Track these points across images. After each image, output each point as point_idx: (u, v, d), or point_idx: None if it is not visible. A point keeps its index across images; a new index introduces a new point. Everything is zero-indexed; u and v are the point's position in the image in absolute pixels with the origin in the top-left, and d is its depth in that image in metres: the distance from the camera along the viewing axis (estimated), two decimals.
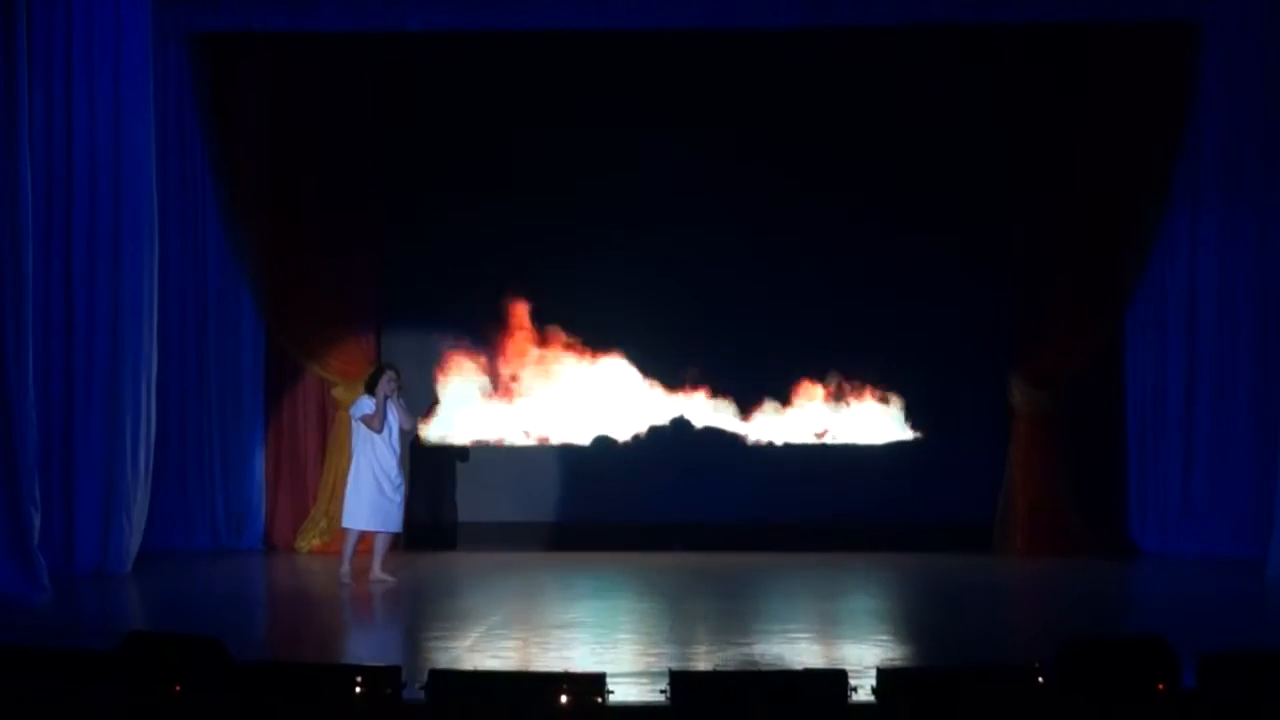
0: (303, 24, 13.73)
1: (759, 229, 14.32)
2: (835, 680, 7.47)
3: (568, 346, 14.27)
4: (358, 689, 7.39)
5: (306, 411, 14.52)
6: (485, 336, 14.33)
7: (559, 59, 14.28)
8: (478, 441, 14.37)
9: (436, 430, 14.21)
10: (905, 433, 14.21)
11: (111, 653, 7.69)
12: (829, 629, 10.53)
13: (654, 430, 14.24)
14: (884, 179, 14.26)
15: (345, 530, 12.57)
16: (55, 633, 9.83)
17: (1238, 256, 13.89)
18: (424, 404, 13.97)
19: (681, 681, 7.46)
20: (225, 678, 7.48)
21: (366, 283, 14.40)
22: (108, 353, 12.70)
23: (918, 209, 14.17)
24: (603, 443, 14.29)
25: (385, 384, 12.43)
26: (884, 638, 10.18)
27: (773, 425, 14.24)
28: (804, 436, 14.27)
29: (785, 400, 14.23)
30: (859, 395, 14.20)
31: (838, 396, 14.20)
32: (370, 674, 7.49)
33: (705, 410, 14.23)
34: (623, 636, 9.95)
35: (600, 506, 14.44)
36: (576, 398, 14.30)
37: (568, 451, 14.42)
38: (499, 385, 14.30)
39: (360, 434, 12.45)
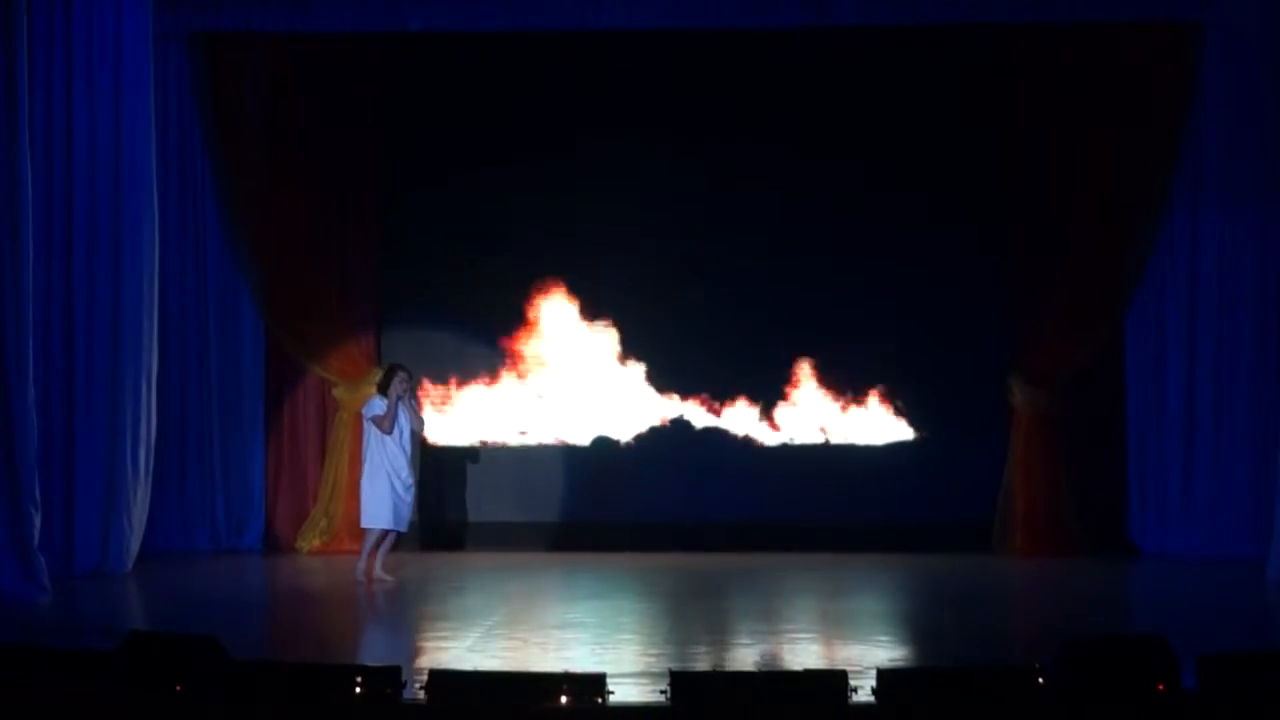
0: (303, 24, 13.72)
1: (758, 229, 14.33)
2: (836, 681, 7.47)
3: (567, 348, 14.27)
4: (357, 689, 7.39)
5: (307, 412, 14.51)
6: (486, 337, 14.35)
7: (559, 59, 14.30)
8: (480, 442, 14.38)
9: (439, 431, 14.22)
10: (905, 433, 14.22)
11: (111, 653, 7.68)
12: (829, 629, 10.53)
13: (655, 431, 14.25)
14: (884, 178, 14.26)
15: (365, 531, 12.53)
16: (55, 633, 9.82)
17: (1238, 257, 13.89)
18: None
19: (682, 682, 7.46)
20: (225, 678, 7.48)
21: (366, 283, 14.40)
22: (108, 353, 12.70)
23: (918, 209, 14.18)
24: (603, 443, 14.30)
25: (398, 385, 12.41)
26: (884, 638, 10.19)
27: (774, 426, 14.24)
28: (804, 437, 14.27)
29: (785, 401, 14.22)
30: (859, 395, 14.20)
31: (838, 397, 14.19)
32: (370, 674, 7.49)
33: (706, 411, 14.23)
34: (623, 637, 9.95)
35: (600, 507, 14.44)
36: (576, 398, 14.30)
37: (568, 452, 14.43)
38: (500, 386, 14.31)
39: (372, 434, 12.43)
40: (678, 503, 14.34)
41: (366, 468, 12.49)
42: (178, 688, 7.45)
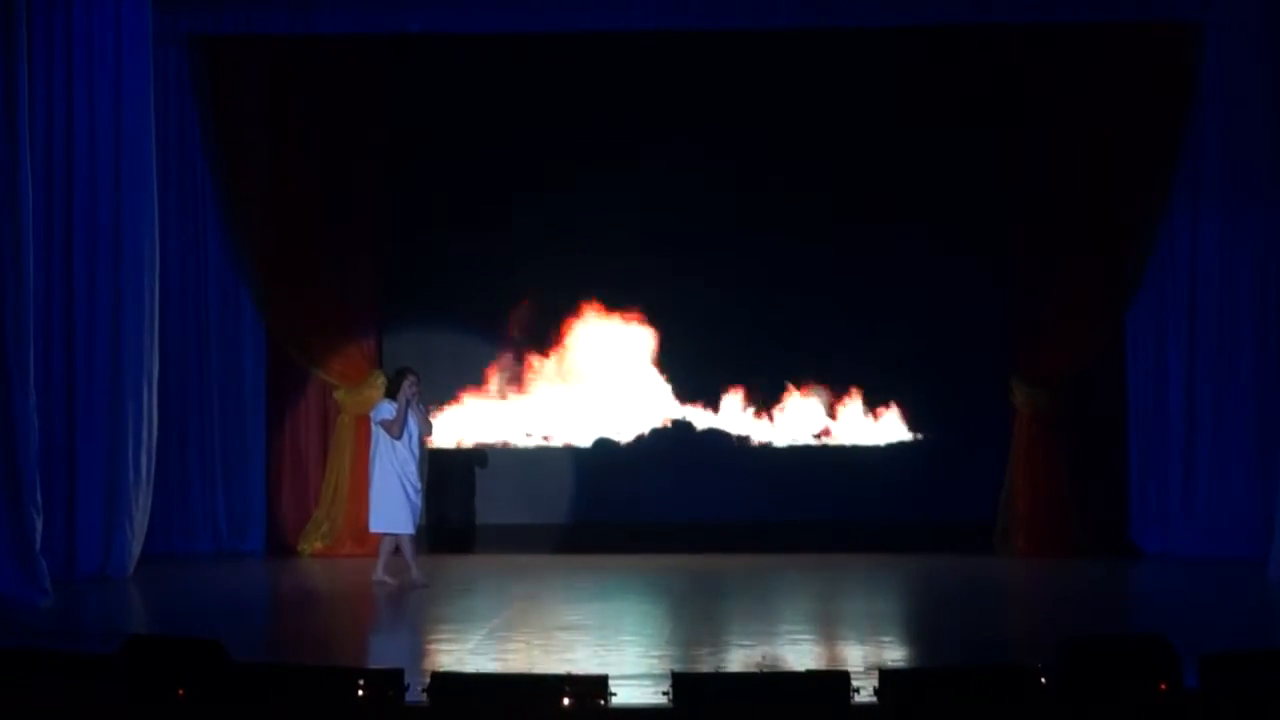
0: (302, 26, 13.72)
1: (758, 229, 14.33)
2: (838, 681, 7.47)
3: (567, 349, 14.27)
4: (360, 692, 7.39)
5: (308, 415, 14.50)
6: (487, 338, 14.36)
7: (559, 61, 14.29)
8: (480, 444, 14.38)
9: (440, 433, 14.22)
10: (906, 433, 14.21)
11: (113, 656, 7.68)
12: (831, 630, 10.53)
13: (656, 432, 14.25)
14: (884, 179, 14.27)
15: (381, 535, 12.51)
16: (57, 636, 9.82)
17: (1239, 257, 13.88)
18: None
19: (684, 683, 7.46)
20: (227, 681, 7.48)
21: (367, 285, 14.39)
22: (108, 355, 12.70)
23: (919, 209, 14.18)
24: (604, 445, 14.30)
25: (407, 388, 12.38)
26: (886, 639, 10.18)
27: (773, 426, 14.24)
28: (805, 437, 14.27)
29: (786, 401, 14.23)
30: (860, 396, 14.20)
31: (839, 397, 14.20)
32: (372, 677, 7.49)
33: (707, 411, 14.23)
34: (625, 638, 9.94)
35: (601, 508, 14.44)
36: (577, 399, 14.30)
37: (568, 453, 14.42)
38: (502, 386, 14.31)
39: (381, 439, 12.40)
40: (678, 504, 14.34)
41: (376, 472, 12.43)
42: (180, 691, 7.45)
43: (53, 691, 7.53)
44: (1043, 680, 7.42)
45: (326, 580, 12.92)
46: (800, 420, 14.26)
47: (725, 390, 14.25)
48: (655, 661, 8.90)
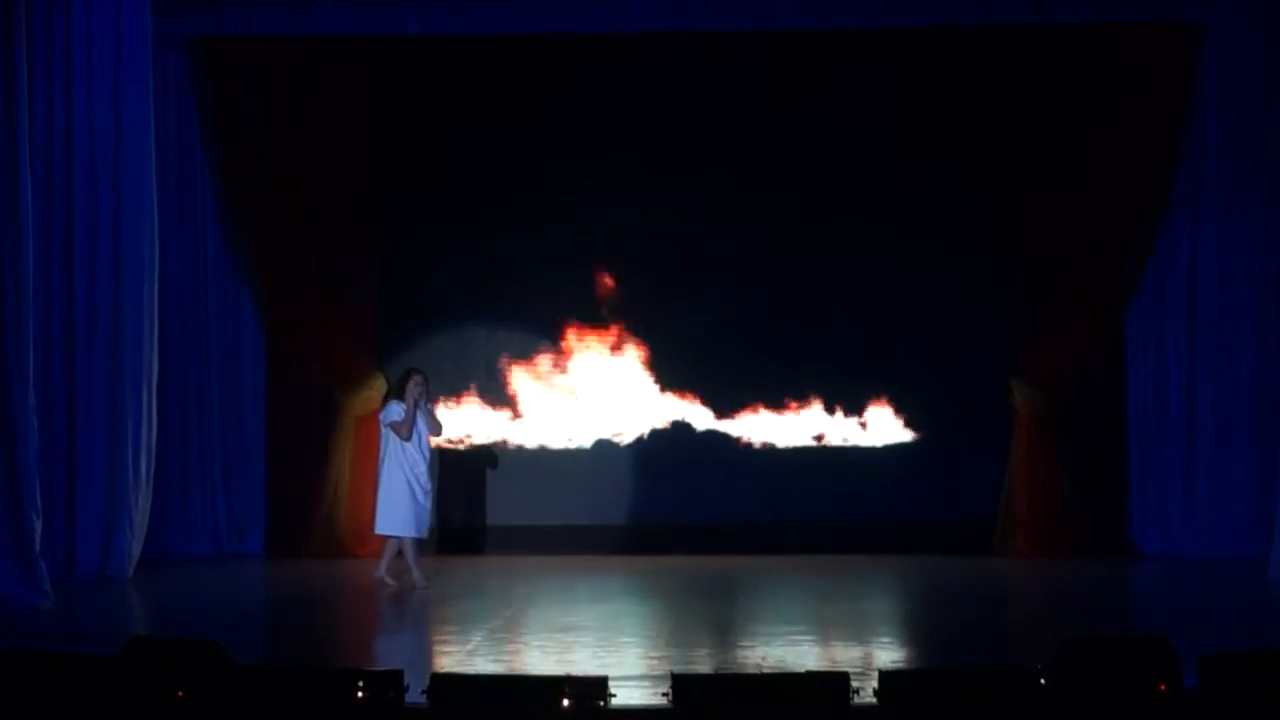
0: (302, 28, 13.71)
1: (758, 230, 14.33)
2: (837, 682, 7.47)
3: (568, 350, 14.28)
4: (359, 693, 7.39)
5: (308, 415, 14.46)
6: (488, 339, 14.37)
7: (559, 62, 14.29)
8: (478, 444, 14.39)
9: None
10: (906, 434, 14.21)
11: (113, 658, 7.68)
12: (831, 631, 10.52)
13: (656, 433, 14.24)
14: (884, 179, 14.27)
15: (386, 538, 12.47)
16: (57, 638, 9.80)
17: (1239, 257, 13.90)
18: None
19: (683, 684, 7.46)
20: (227, 683, 7.48)
21: (367, 286, 14.38)
22: (108, 357, 12.70)
23: (919, 209, 14.19)
24: (604, 446, 14.30)
25: (413, 388, 12.35)
26: (886, 639, 10.18)
27: (773, 426, 14.24)
28: (805, 438, 14.26)
29: (785, 401, 14.22)
30: (860, 396, 14.19)
31: (839, 397, 14.19)
32: (372, 678, 7.49)
33: (707, 413, 14.22)
34: (625, 639, 9.94)
35: (600, 509, 14.44)
36: (577, 400, 14.30)
37: (569, 454, 14.41)
38: (502, 387, 14.32)
39: (390, 440, 12.39)
40: (678, 505, 14.35)
41: (384, 474, 12.42)
42: (179, 693, 7.45)
43: (52, 693, 7.53)
44: (1042, 681, 7.42)
45: (326, 582, 12.91)
46: (800, 421, 14.26)
47: (726, 391, 14.24)
48: (655, 662, 8.90)
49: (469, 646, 9.65)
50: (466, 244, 14.41)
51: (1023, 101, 13.92)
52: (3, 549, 11.05)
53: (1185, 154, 13.80)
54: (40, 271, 11.93)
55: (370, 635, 11.05)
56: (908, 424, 14.21)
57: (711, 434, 14.26)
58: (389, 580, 12.31)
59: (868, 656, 9.22)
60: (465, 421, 14.30)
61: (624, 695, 7.53)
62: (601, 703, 7.35)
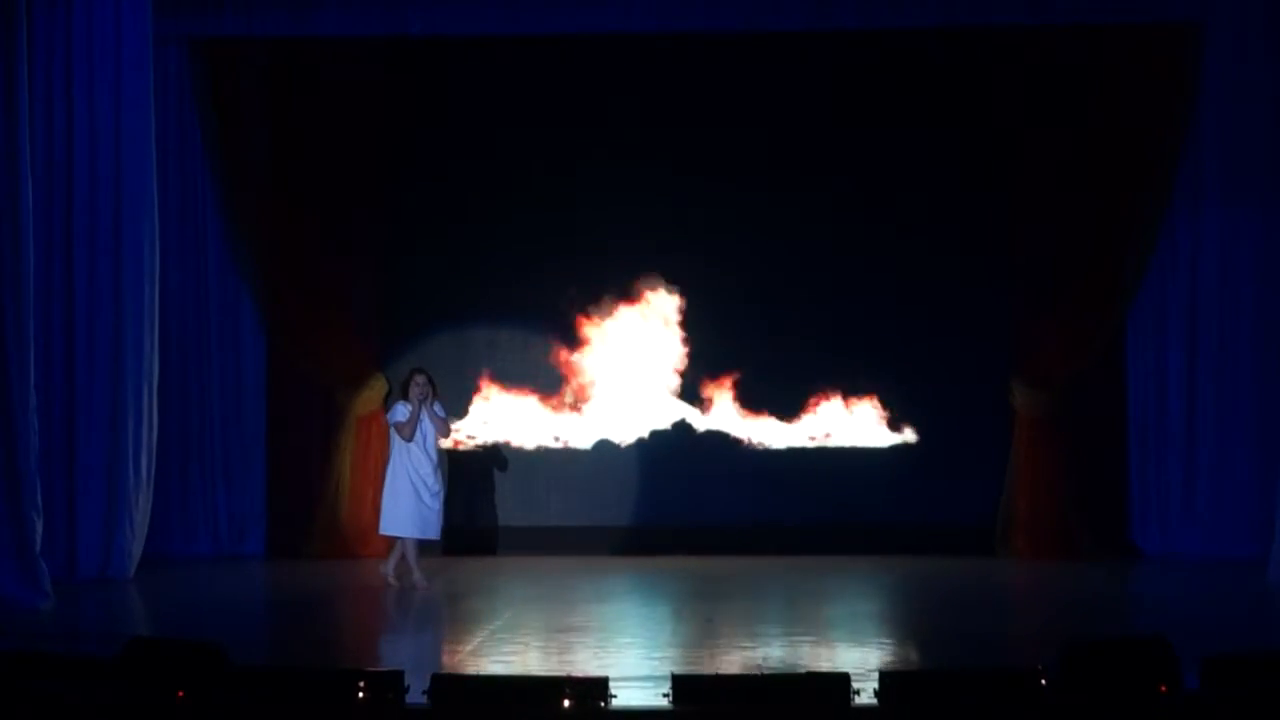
0: (303, 29, 13.71)
1: (757, 230, 14.33)
2: (838, 683, 7.48)
3: (568, 350, 14.27)
4: (360, 694, 7.40)
5: (309, 415, 14.47)
6: (488, 340, 14.37)
7: (560, 62, 14.29)
8: (480, 445, 14.38)
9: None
10: (906, 435, 14.19)
11: (114, 659, 7.69)
12: (831, 632, 10.52)
13: (656, 434, 14.23)
14: (884, 179, 14.27)
15: (391, 539, 12.48)
16: (57, 638, 9.83)
17: (1239, 257, 13.90)
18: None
19: (684, 685, 7.47)
20: (227, 683, 7.49)
21: (368, 286, 14.38)
22: (109, 357, 12.70)
23: (919, 210, 14.20)
24: (604, 447, 14.28)
25: (415, 389, 12.33)
26: (886, 641, 10.18)
27: (774, 428, 14.23)
28: (805, 439, 14.24)
29: (786, 402, 14.21)
30: (860, 397, 14.18)
31: (839, 398, 14.18)
32: (373, 679, 7.50)
33: (706, 414, 14.21)
34: (625, 640, 9.94)
35: (600, 510, 14.44)
36: (577, 401, 14.28)
37: (568, 455, 14.40)
38: (501, 390, 14.31)
39: (395, 441, 12.39)
40: (678, 506, 14.35)
41: (388, 474, 12.44)
42: (180, 694, 7.45)
43: (53, 694, 7.53)
44: (1043, 682, 7.43)
45: (327, 582, 12.91)
46: (800, 422, 14.24)
47: (726, 392, 14.22)
48: (656, 663, 8.89)
49: (470, 647, 9.65)
50: (467, 243, 14.42)
51: (1023, 101, 13.92)
52: (3, 549, 11.05)
53: (1185, 154, 13.80)
54: (40, 272, 11.93)
55: (371, 636, 11.05)
56: (908, 425, 14.19)
57: (711, 435, 14.24)
58: (392, 580, 12.32)
59: (868, 658, 9.20)
60: (466, 422, 14.29)
61: (624, 696, 7.53)
62: (602, 703, 7.36)
